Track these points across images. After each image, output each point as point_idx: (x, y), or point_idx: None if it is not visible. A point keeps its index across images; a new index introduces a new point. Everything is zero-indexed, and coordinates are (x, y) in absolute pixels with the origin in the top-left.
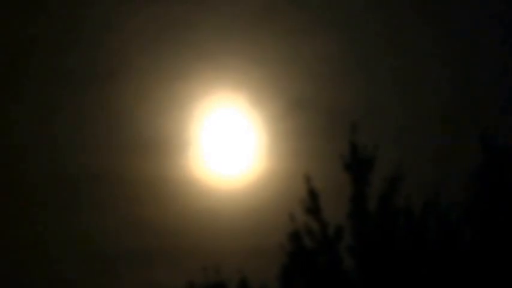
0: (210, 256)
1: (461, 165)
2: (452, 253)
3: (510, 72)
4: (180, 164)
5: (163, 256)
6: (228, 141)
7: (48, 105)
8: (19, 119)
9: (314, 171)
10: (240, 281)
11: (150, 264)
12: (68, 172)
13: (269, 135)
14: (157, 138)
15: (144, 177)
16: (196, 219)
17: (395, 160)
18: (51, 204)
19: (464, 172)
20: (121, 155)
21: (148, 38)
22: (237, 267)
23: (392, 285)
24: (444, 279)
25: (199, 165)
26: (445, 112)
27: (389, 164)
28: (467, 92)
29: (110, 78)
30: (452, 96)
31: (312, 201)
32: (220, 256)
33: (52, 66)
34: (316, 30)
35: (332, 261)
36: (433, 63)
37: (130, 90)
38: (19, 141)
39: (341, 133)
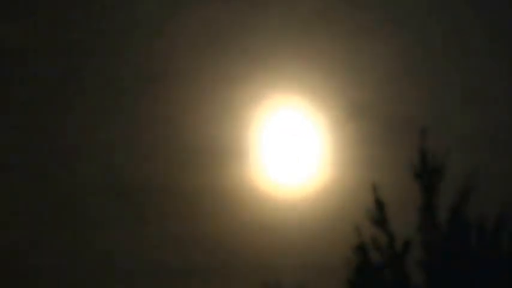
0: (269, 272)
1: None
2: None
3: None
4: (236, 174)
5: (221, 272)
6: (287, 149)
7: (96, 112)
8: (67, 125)
9: (381, 180)
10: None
11: (206, 281)
12: (115, 184)
13: (331, 142)
14: (211, 146)
15: (198, 189)
16: (254, 232)
17: (467, 169)
18: (94, 217)
19: None
20: (172, 166)
21: (200, 42)
22: (299, 283)
23: None
24: None
25: (257, 175)
26: None
27: (459, 174)
28: None
29: (160, 84)
30: None
31: (379, 212)
32: (281, 271)
33: (100, 72)
34: (376, 32)
35: (400, 276)
36: (502, 65)
37: (181, 96)
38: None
39: (407, 140)
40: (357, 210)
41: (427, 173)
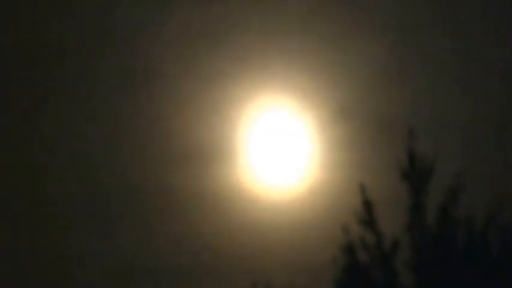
0: (259, 272)
1: None
2: None
3: None
4: (225, 175)
5: (210, 273)
6: (276, 150)
7: (81, 113)
8: (47, 131)
9: (369, 181)
10: None
11: (195, 281)
12: (102, 185)
13: (320, 143)
14: (200, 147)
15: (186, 190)
16: (243, 233)
17: (455, 170)
18: (85, 221)
19: None
20: (159, 167)
21: (187, 42)
22: (288, 283)
23: None
24: None
25: (246, 176)
26: (507, 118)
27: (448, 174)
28: None
29: (147, 84)
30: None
31: (367, 213)
32: (270, 271)
33: (84, 74)
34: (365, 32)
35: (388, 276)
36: (493, 65)
37: (168, 97)
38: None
39: (395, 141)
40: (345, 211)
41: (415, 174)
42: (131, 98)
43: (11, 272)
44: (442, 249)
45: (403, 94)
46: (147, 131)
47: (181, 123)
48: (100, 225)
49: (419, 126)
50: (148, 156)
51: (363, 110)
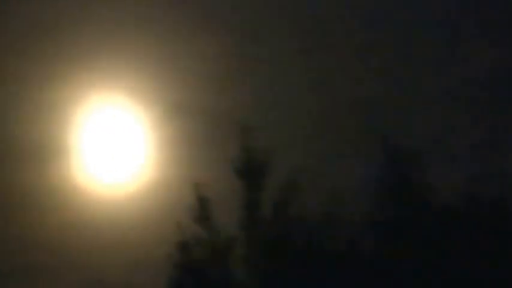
0: (94, 270)
1: (361, 171)
2: (354, 261)
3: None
4: (58, 173)
5: (43, 271)
6: (110, 149)
7: None
8: None
9: (203, 179)
10: None
11: (30, 280)
12: None
13: (154, 141)
14: (31, 145)
15: (17, 188)
16: (76, 231)
17: (292, 166)
18: None
19: (368, 178)
20: None
21: (15, 40)
22: (123, 280)
23: None
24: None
25: (79, 174)
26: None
27: (284, 172)
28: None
29: None
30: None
31: (201, 210)
32: (105, 269)
33: None
34: (202, 34)
35: (224, 272)
36: (330, 66)
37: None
38: None
39: (230, 139)
40: (180, 208)
41: (250, 171)
42: None
43: None
44: (278, 245)
45: (241, 92)
46: None
47: (14, 124)
48: None
49: (256, 124)
50: None
51: (198, 107)
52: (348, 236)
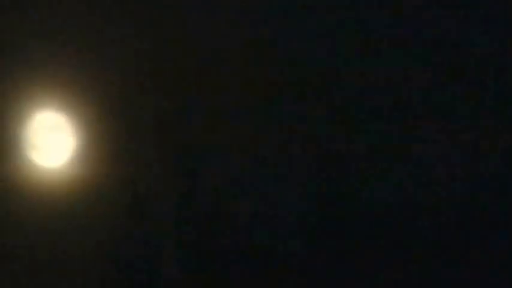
0: (21, 266)
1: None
2: (283, 266)
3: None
4: None
5: None
6: (41, 146)
7: None
8: None
9: (137, 175)
10: None
11: None
12: None
13: (85, 139)
14: None
15: None
16: (7, 228)
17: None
18: None
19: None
20: None
21: None
22: (54, 275)
23: None
24: None
25: (14, 172)
26: None
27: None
28: None
29: None
30: None
31: (135, 208)
32: (34, 264)
33: None
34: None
35: (156, 270)
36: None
37: None
38: None
39: (164, 135)
40: (112, 206)
41: (183, 168)
42: None
43: None
44: (210, 243)
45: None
46: None
47: None
48: None
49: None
50: None
51: (134, 104)
52: (281, 235)
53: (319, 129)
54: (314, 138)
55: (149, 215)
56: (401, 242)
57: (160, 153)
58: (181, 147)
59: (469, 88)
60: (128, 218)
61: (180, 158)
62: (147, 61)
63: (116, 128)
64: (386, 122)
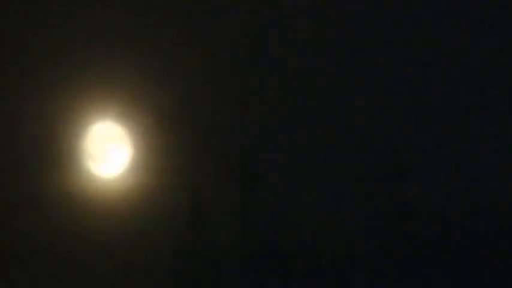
0: (87, 277)
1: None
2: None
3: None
4: (55, 181)
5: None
6: (100, 157)
7: None
8: None
9: (198, 187)
10: None
11: None
12: None
13: (146, 149)
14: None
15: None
16: (71, 238)
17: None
18: None
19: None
20: None
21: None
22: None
23: None
24: None
25: (73, 182)
26: None
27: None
28: None
29: None
30: None
31: (197, 218)
32: (99, 276)
33: None
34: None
35: (220, 280)
36: None
37: None
38: None
39: (223, 147)
40: (174, 216)
41: (244, 179)
42: None
43: None
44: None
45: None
46: None
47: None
48: None
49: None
50: None
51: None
52: (347, 238)
53: (382, 130)
54: (379, 142)
55: (211, 224)
56: (467, 244)
57: (220, 162)
58: (242, 155)
59: None
60: (188, 228)
61: (243, 166)
62: (207, 71)
63: (175, 138)
64: (451, 123)
